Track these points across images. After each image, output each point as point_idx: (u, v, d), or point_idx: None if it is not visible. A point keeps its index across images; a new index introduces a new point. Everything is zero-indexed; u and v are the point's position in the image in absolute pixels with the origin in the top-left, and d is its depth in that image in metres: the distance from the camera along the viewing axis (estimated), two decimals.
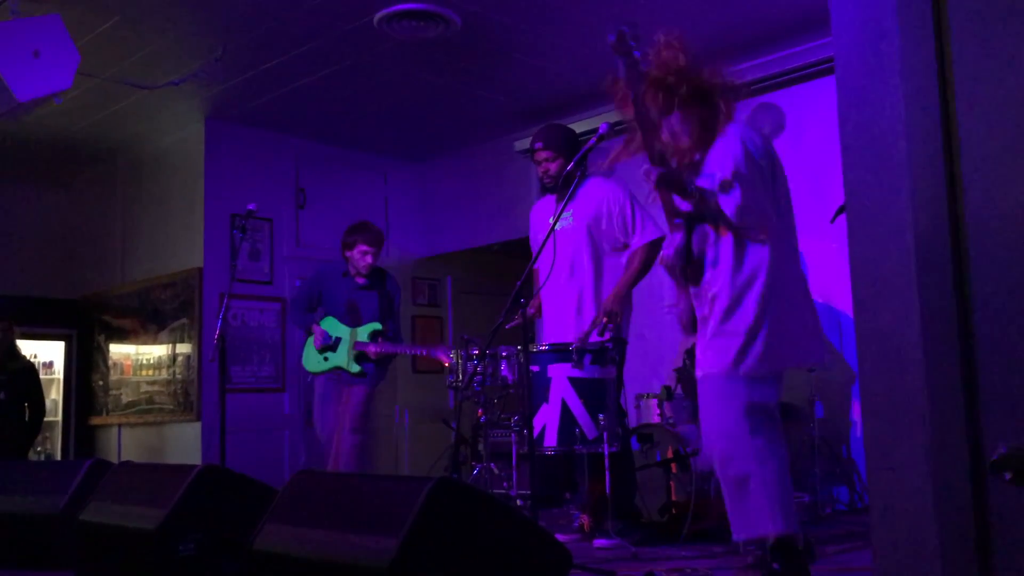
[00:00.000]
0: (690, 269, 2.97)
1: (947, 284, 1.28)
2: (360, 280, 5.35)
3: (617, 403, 3.97)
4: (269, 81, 5.89)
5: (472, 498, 2.29)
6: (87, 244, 7.78)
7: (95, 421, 7.46)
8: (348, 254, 5.34)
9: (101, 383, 7.44)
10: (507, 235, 7.04)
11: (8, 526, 3.63)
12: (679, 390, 4.89)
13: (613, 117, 3.41)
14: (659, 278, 5.49)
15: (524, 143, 6.46)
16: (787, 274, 2.91)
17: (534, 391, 3.72)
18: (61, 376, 7.69)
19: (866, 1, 1.41)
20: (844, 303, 5.12)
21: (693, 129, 2.93)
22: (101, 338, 7.49)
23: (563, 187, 4.12)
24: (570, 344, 3.84)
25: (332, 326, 5.29)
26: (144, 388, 6.97)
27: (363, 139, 7.20)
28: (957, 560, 1.25)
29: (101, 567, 3.23)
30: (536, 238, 4.50)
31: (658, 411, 4.77)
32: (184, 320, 6.62)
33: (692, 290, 3.02)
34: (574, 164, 3.80)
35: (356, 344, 5.20)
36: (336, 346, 5.24)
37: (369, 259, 5.29)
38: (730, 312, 2.86)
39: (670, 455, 4.30)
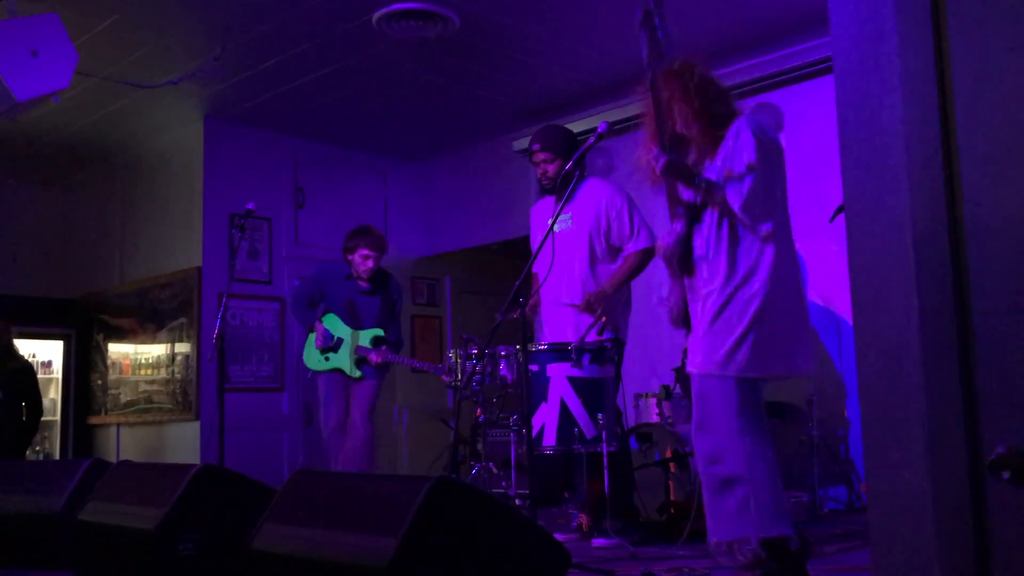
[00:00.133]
0: (687, 260, 2.96)
1: (946, 284, 1.28)
2: (362, 284, 5.35)
3: (615, 402, 3.97)
4: (268, 80, 5.89)
5: (471, 497, 2.29)
6: (85, 243, 7.77)
7: (94, 421, 7.46)
8: (350, 258, 5.33)
9: (100, 383, 7.43)
10: (506, 235, 7.04)
11: (7, 526, 3.62)
12: (678, 389, 4.89)
13: (612, 117, 3.42)
14: (658, 279, 5.50)
15: (523, 143, 6.46)
16: (784, 276, 2.88)
17: (533, 390, 3.72)
18: (60, 376, 7.69)
19: (865, 1, 1.41)
20: (843, 303, 5.12)
21: (703, 120, 2.92)
22: (100, 337, 7.49)
23: (561, 188, 4.12)
24: (569, 344, 3.84)
25: (334, 325, 5.28)
26: (143, 388, 6.97)
27: (362, 139, 7.20)
28: (955, 560, 1.25)
29: (100, 567, 3.23)
30: (536, 239, 4.50)
31: (656, 410, 4.77)
32: (183, 319, 6.62)
33: (687, 282, 3.00)
34: (572, 164, 3.80)
35: (358, 348, 5.20)
36: (338, 347, 5.23)
37: (370, 264, 5.29)
38: (723, 310, 2.83)
39: (669, 454, 4.30)
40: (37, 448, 7.31)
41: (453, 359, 4.76)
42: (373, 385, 5.23)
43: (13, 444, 6.42)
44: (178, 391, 6.61)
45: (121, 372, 7.23)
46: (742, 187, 2.77)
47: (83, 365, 7.61)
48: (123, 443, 7.18)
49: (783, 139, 5.58)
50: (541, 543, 2.40)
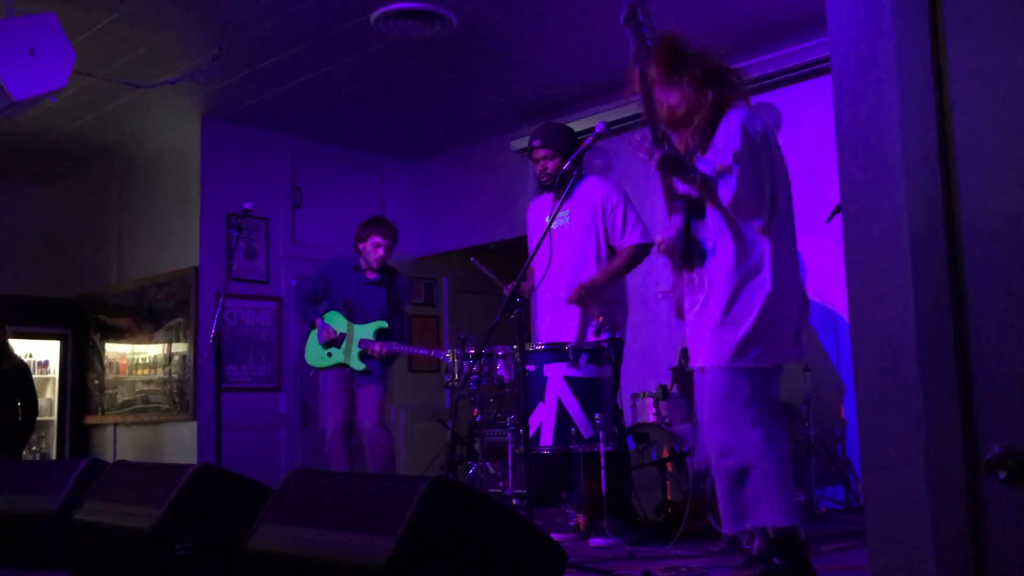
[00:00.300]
0: (687, 254, 2.97)
1: (942, 283, 1.28)
2: (371, 275, 5.33)
3: (613, 402, 3.97)
4: (266, 80, 5.89)
5: (468, 498, 2.29)
6: (82, 243, 7.76)
7: (90, 420, 7.45)
8: (361, 246, 5.33)
9: (96, 382, 7.42)
10: (504, 235, 7.04)
11: (3, 526, 3.62)
12: (675, 389, 4.89)
13: (610, 117, 3.43)
14: (655, 277, 5.51)
15: (521, 142, 6.46)
16: (786, 268, 2.92)
17: (530, 390, 3.72)
18: (56, 375, 7.68)
19: (862, 1, 1.41)
20: (840, 302, 5.12)
21: (693, 105, 2.94)
22: (96, 337, 7.48)
23: (560, 186, 4.12)
24: (566, 343, 3.84)
25: (336, 321, 5.27)
26: (140, 387, 6.96)
27: (360, 138, 7.19)
28: (952, 559, 1.26)
29: (96, 567, 3.23)
30: (533, 235, 4.51)
31: (654, 410, 4.77)
32: (180, 319, 6.61)
33: (686, 276, 3.02)
34: (571, 163, 3.81)
35: (360, 341, 5.18)
36: (340, 341, 5.21)
37: (381, 252, 5.28)
38: (732, 303, 2.86)
39: (666, 454, 4.30)
40: (33, 448, 7.30)
41: (450, 359, 4.75)
42: (378, 391, 5.20)
43: (9, 444, 6.40)
44: (175, 391, 6.60)
45: (118, 372, 7.22)
46: (730, 182, 2.79)
47: (80, 365, 7.60)
48: (120, 443, 7.17)
49: (781, 139, 5.57)
50: (538, 543, 2.40)
